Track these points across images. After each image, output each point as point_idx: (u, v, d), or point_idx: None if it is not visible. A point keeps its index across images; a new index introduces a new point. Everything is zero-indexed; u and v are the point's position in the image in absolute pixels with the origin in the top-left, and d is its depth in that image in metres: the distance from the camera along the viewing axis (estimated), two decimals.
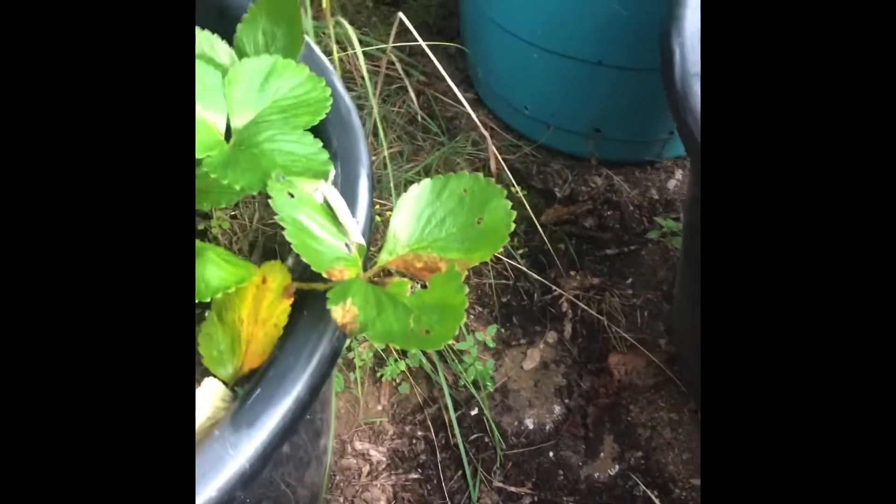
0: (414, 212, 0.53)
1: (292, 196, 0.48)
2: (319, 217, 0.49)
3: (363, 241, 0.51)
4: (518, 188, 1.05)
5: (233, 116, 0.53)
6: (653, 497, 0.95)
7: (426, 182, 0.53)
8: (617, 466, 0.98)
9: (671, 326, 1.08)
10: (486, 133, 0.85)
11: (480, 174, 0.52)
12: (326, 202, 0.50)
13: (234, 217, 0.62)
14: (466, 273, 0.46)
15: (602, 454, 0.99)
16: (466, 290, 0.46)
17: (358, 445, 1.01)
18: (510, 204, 0.51)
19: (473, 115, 0.89)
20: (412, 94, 1.05)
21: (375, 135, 1.14)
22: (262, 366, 0.50)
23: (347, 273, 0.49)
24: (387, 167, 1.07)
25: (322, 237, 0.49)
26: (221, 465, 0.44)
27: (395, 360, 1.03)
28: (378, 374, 1.04)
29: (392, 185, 1.04)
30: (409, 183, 1.15)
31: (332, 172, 0.51)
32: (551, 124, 1.20)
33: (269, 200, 0.47)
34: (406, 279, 0.50)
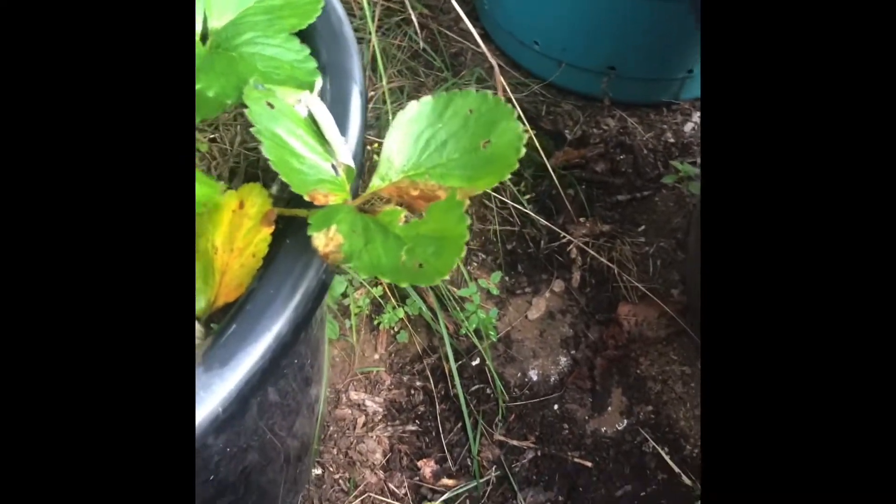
0: (411, 134, 0.47)
1: (272, 107, 0.42)
2: (302, 132, 0.43)
3: (352, 164, 0.45)
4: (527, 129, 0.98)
5: (210, 16, 0.46)
6: (662, 453, 0.90)
7: (426, 100, 0.47)
8: (625, 421, 0.94)
9: (685, 276, 1.02)
10: (494, 62, 0.78)
11: (489, 92, 0.46)
12: (311, 117, 0.44)
13: (213, 140, 0.56)
14: (469, 217, 0.40)
15: (609, 408, 0.94)
16: (468, 221, 0.40)
17: (353, 395, 0.96)
18: (521, 127, 0.45)
19: (482, 45, 0.82)
20: (416, 25, 0.98)
21: (374, 69, 1.07)
22: (238, 300, 0.45)
23: (333, 198, 0.43)
24: (386, 103, 1.00)
25: (305, 155, 0.43)
26: None
27: (394, 308, 0.98)
28: (375, 322, 0.99)
29: (391, 121, 0.98)
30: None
31: (319, 83, 0.45)
32: (563, 61, 1.13)
33: (245, 110, 0.41)
34: (399, 208, 0.44)
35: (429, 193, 0.45)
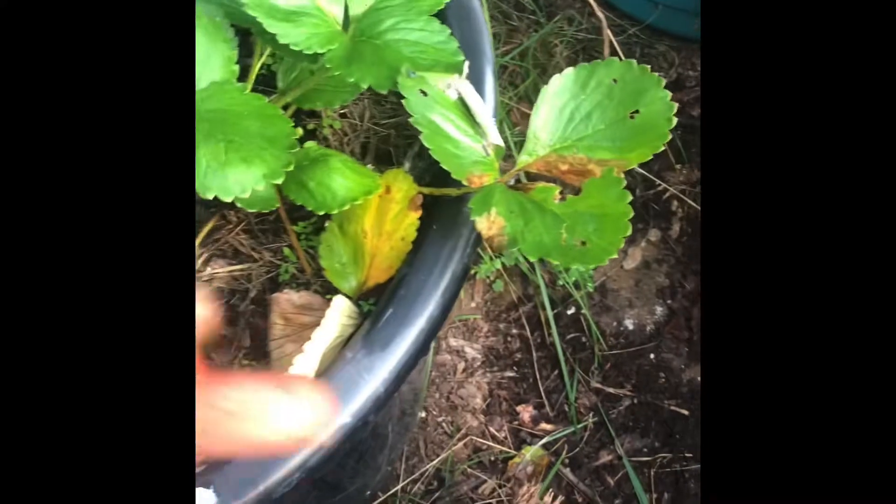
0: (555, 107, 0.47)
1: (425, 94, 0.43)
2: (454, 117, 0.44)
3: (501, 142, 0.46)
4: None
5: (351, 4, 0.47)
6: None
7: (568, 72, 0.47)
8: None
9: None
10: (600, 14, 0.76)
11: (634, 61, 0.46)
12: (461, 99, 0.45)
13: (343, 116, 0.58)
14: (630, 193, 0.41)
15: None
16: (630, 197, 0.41)
17: (452, 342, 0.99)
18: (669, 95, 0.45)
19: None
20: None
21: None
22: (388, 281, 0.47)
23: (486, 178, 0.44)
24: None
25: (459, 139, 0.44)
26: (356, 389, 0.42)
27: (491, 259, 0.99)
28: (472, 272, 1.01)
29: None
30: (505, 69, 1.08)
31: (467, 65, 0.45)
32: (659, 2, 1.09)
33: (403, 101, 0.42)
34: (552, 185, 0.45)
35: (578, 167, 0.46)
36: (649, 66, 0.45)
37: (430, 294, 0.44)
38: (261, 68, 0.52)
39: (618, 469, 0.91)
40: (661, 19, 1.12)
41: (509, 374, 0.97)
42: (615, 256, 0.39)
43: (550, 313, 0.96)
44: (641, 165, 1.05)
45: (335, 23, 0.46)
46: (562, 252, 0.40)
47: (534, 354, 0.98)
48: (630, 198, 0.41)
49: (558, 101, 0.46)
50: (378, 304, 0.45)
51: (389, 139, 0.56)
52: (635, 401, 0.94)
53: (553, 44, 1.08)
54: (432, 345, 0.93)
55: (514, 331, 1.00)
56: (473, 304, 1.02)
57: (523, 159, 0.46)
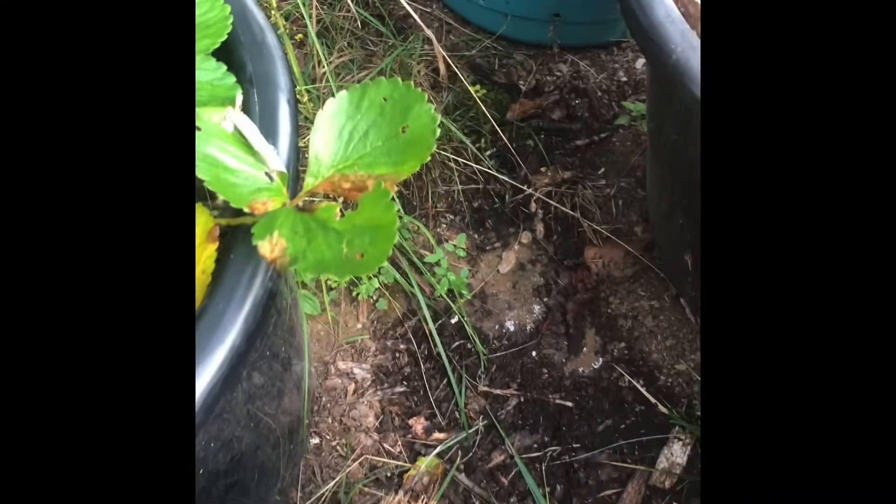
0: (334, 129, 0.49)
1: (199, 129, 0.45)
2: (233, 148, 0.46)
3: (284, 168, 0.48)
4: (476, 87, 0.99)
5: None
6: (638, 386, 0.95)
7: (342, 95, 0.50)
8: (600, 359, 0.98)
9: (646, 213, 1.06)
10: (430, 34, 0.79)
11: (398, 79, 0.49)
12: (238, 130, 0.47)
13: None
14: (396, 203, 0.43)
15: (585, 349, 0.99)
16: (397, 207, 0.43)
17: (341, 365, 1.00)
18: (432, 107, 0.48)
19: (412, 13, 0.83)
20: None
21: (324, 43, 1.08)
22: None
23: (272, 204, 0.46)
24: (330, 81, 1.02)
25: (238, 169, 0.46)
26: None
27: (369, 278, 1.01)
28: (354, 293, 1.03)
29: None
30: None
31: (239, 97, 0.47)
32: (508, 13, 1.14)
33: None
34: (334, 202, 0.47)
35: (359, 184, 0.48)
36: (412, 83, 0.48)
37: (229, 324, 0.46)
38: None
39: (511, 468, 0.93)
40: (514, 30, 1.16)
41: (399, 389, 0.99)
42: (383, 264, 0.41)
43: (432, 325, 0.98)
44: (507, 173, 1.09)
45: None
46: (339, 266, 0.42)
47: (422, 367, 1.00)
48: (397, 207, 0.43)
49: (336, 122, 0.48)
50: None
51: None
52: (522, 399, 0.96)
53: (410, 64, 1.11)
54: (310, 369, 0.94)
55: (402, 346, 1.02)
56: (360, 325, 1.04)
57: (309, 181, 0.48)
